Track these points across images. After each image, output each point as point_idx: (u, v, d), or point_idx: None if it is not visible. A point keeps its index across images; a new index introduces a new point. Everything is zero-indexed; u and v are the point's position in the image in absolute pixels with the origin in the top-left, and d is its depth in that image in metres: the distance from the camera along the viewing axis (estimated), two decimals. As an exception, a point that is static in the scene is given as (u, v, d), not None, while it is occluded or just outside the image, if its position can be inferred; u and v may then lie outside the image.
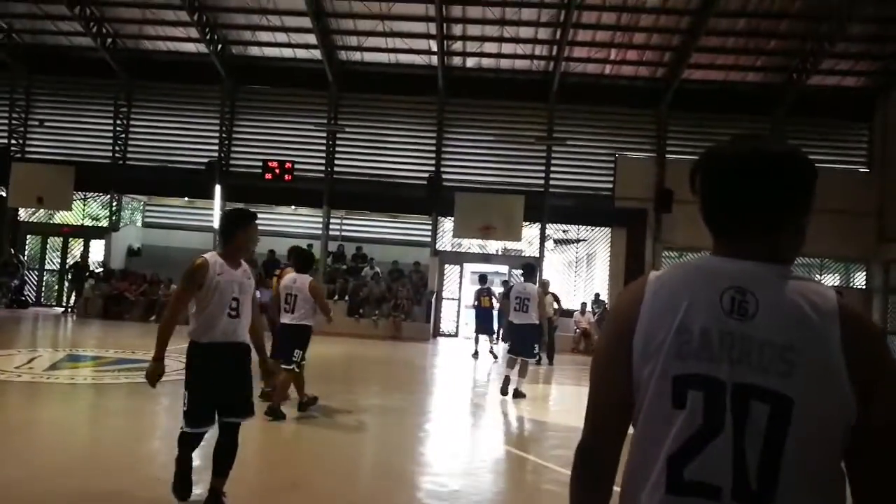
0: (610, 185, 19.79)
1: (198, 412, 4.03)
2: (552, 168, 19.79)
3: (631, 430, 1.40)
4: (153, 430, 6.67)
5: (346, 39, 19.33)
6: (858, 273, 19.69)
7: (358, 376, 11.50)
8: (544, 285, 15.25)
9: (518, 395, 9.54)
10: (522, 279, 10.33)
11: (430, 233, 20.24)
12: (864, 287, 19.33)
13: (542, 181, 19.78)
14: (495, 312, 15.76)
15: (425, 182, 19.61)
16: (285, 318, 7.24)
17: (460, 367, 13.88)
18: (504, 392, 9.42)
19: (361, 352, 14.86)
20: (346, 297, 18.96)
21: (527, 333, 9.60)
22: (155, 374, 4.03)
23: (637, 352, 1.33)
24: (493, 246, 20.54)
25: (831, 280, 19.95)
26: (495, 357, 15.07)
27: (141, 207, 22.53)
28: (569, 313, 18.02)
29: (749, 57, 18.30)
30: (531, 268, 10.34)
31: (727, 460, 1.22)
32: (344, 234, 21.20)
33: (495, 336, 16.33)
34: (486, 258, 20.50)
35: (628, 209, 19.41)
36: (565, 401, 10.76)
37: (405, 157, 20.24)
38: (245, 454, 5.95)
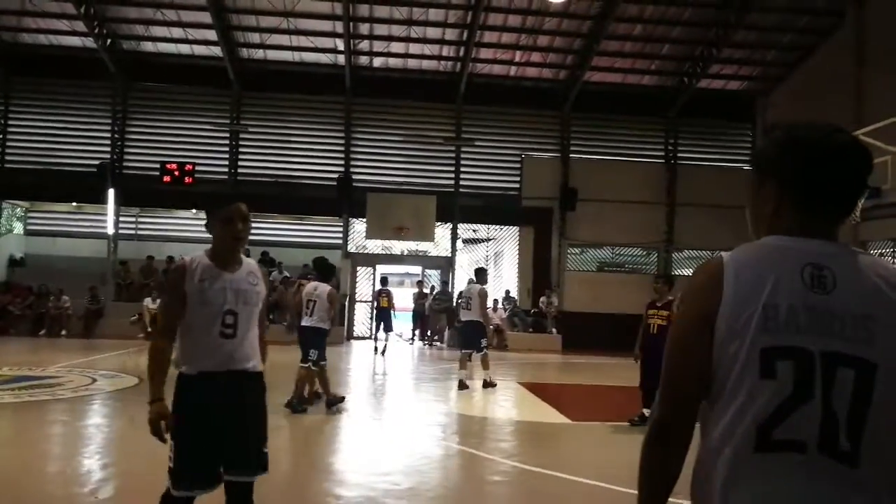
0: (517, 185, 20.24)
1: (189, 469, 2.96)
2: (461, 168, 20.02)
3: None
4: (79, 447, 6.18)
5: (247, 36, 18.73)
6: (744, 264, 21.11)
7: (274, 382, 11.08)
8: (443, 284, 15.67)
9: (487, 384, 10.42)
10: (474, 281, 10.95)
11: (340, 235, 19.96)
12: (750, 277, 20.74)
13: (452, 181, 19.96)
14: (393, 312, 16.63)
15: (335, 183, 19.32)
16: (305, 321, 8.17)
17: (380, 368, 13.75)
18: (463, 386, 10.21)
19: (275, 358, 14.39)
20: (255, 303, 18.33)
21: (471, 329, 10.44)
22: (158, 419, 2.92)
23: (721, 330, 1.37)
24: (401, 247, 20.51)
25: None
26: (382, 353, 15.73)
27: (22, 214, 20.84)
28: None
29: (645, 61, 19.25)
30: (482, 271, 11.08)
31: (815, 422, 1.30)
32: (250, 237, 20.45)
33: (392, 334, 17.00)
34: (398, 259, 20.46)
35: (535, 208, 19.92)
36: (489, 395, 10.88)
37: (313, 157, 19.86)
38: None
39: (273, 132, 19.79)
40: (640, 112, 20.10)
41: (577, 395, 10.52)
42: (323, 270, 8.40)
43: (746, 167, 17.05)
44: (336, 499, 4.88)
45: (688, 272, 19.96)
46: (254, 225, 18.41)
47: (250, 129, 19.54)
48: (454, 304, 15.76)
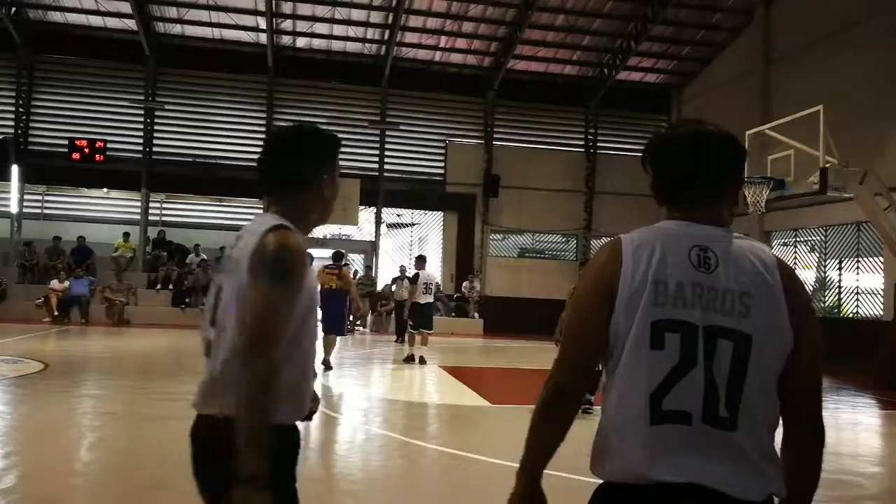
0: (441, 171, 20.33)
1: None
2: (386, 152, 19.93)
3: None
4: None
5: (164, 10, 17.96)
6: (658, 251, 21.98)
7: (190, 369, 10.80)
8: (401, 270, 15.82)
9: (423, 361, 11.45)
10: (417, 267, 12.36)
11: (261, 217, 19.51)
12: (663, 263, 21.62)
13: (376, 165, 19.85)
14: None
15: (255, 164, 18.80)
16: None
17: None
18: (411, 360, 11.51)
19: (191, 344, 14.03)
20: (171, 287, 17.76)
21: (431, 310, 12.05)
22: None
23: (618, 303, 1.50)
24: (324, 230, 20.25)
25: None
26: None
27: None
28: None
29: (567, 51, 19.64)
30: (423, 258, 12.52)
31: (699, 390, 1.44)
32: (165, 219, 19.77)
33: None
34: (320, 243, 20.18)
35: (459, 194, 20.08)
36: (411, 379, 10.98)
37: (233, 137, 19.33)
38: (105, 453, 5.47)
39: (191, 110, 19.11)
40: (561, 101, 20.53)
41: (496, 378, 10.75)
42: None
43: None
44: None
45: (605, 258, 20.64)
46: (171, 206, 17.88)
47: (166, 107, 18.78)
48: (406, 286, 15.68)
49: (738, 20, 18.33)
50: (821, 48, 15.28)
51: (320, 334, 10.57)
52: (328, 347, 10.63)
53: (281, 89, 19.37)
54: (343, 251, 12.17)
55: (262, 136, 19.22)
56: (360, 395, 8.98)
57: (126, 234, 18.32)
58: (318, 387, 9.16)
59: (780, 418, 1.53)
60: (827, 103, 11.13)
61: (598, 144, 21.05)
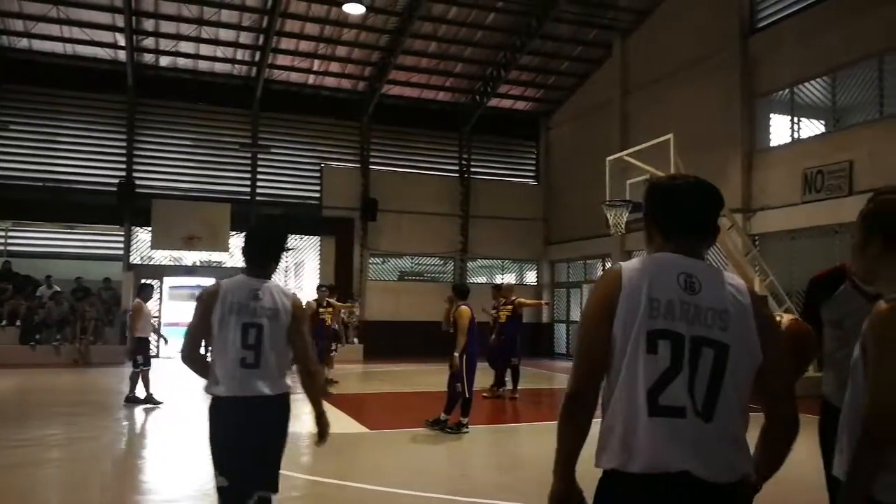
0: (318, 194, 20.01)
1: None
2: (258, 176, 19.37)
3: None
4: None
5: (9, 23, 16.58)
6: (530, 271, 22.77)
7: (40, 413, 9.85)
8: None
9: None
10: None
11: (122, 245, 18.30)
12: (535, 283, 22.40)
13: (248, 189, 19.23)
14: None
15: (115, 189, 17.71)
16: None
17: (166, 388, 12.78)
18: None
19: (41, 383, 12.87)
20: (18, 322, 16.21)
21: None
22: None
23: (620, 318, 1.79)
24: (193, 257, 19.34)
25: (509, 278, 22.72)
26: None
27: None
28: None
29: (440, 77, 20.03)
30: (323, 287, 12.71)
31: (685, 390, 1.72)
32: (10, 248, 18.05)
33: None
34: (189, 271, 19.22)
35: (336, 217, 19.83)
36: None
37: (89, 160, 18.06)
38: None
39: (40, 131, 17.70)
40: (436, 126, 20.90)
41: (375, 403, 10.61)
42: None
43: (532, 182, 18.46)
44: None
45: (482, 280, 21.08)
46: (14, 234, 16.35)
47: (11, 127, 17.28)
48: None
49: (599, 53, 19.50)
50: (671, 80, 16.56)
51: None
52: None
53: (143, 109, 18.36)
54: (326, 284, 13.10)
55: (122, 158, 18.14)
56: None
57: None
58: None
59: (764, 413, 1.87)
60: (676, 131, 12.04)
61: (472, 169, 21.55)
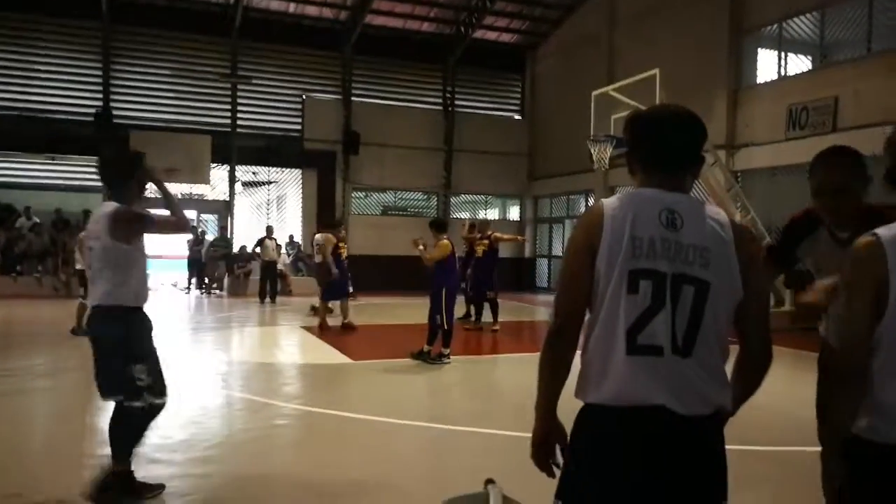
0: (299, 127, 19.72)
1: None
2: (239, 107, 19.00)
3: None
4: None
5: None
6: (514, 207, 22.82)
7: (22, 342, 9.92)
8: (268, 231, 15.46)
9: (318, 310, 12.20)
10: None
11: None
12: (518, 219, 22.48)
13: (228, 121, 18.90)
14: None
15: (91, 119, 17.33)
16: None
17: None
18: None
19: (24, 313, 12.90)
20: (-1, 254, 16.12)
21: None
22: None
23: (602, 257, 1.79)
24: (173, 189, 19.11)
25: (493, 214, 22.78)
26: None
27: None
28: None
29: (424, 7, 19.51)
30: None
31: (667, 328, 1.74)
32: (-12, 180, 17.72)
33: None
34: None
35: (318, 151, 19.61)
36: (265, 340, 10.77)
37: (65, 89, 17.59)
38: None
39: (13, 58, 17.14)
40: (420, 58, 20.48)
41: (359, 335, 10.77)
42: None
43: (517, 117, 18.27)
44: (102, 459, 4.57)
45: (465, 215, 21.10)
46: (-7, 165, 15.70)
47: (-19, 53, 16.72)
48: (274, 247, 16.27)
49: (586, -16, 19.02)
50: (658, 14, 16.25)
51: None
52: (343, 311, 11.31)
53: (120, 37, 17.78)
54: (336, 219, 13.10)
55: (99, 87, 17.68)
56: (218, 360, 8.69)
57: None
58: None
59: (739, 344, 1.90)
60: (663, 67, 11.92)
61: (456, 103, 21.27)
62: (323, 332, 10.79)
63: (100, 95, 17.67)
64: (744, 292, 1.80)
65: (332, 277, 11.22)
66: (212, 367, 8.14)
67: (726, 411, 1.83)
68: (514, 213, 22.79)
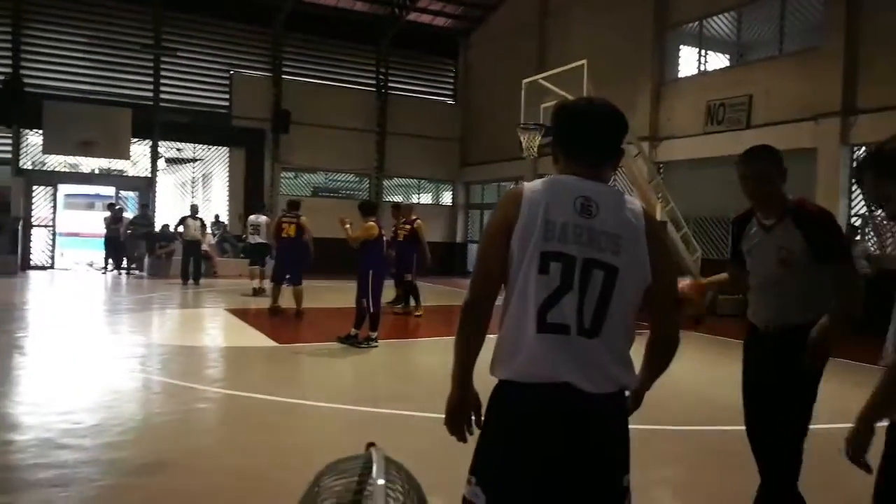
0: (227, 103, 19.16)
1: None
2: (163, 80, 18.28)
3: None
4: None
5: None
6: (446, 192, 22.91)
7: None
8: (193, 209, 14.99)
9: (259, 292, 13.06)
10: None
11: (9, 149, 17.05)
12: (450, 204, 22.59)
13: (151, 94, 18.16)
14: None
15: (0, 87, 16.33)
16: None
17: (63, 300, 12.35)
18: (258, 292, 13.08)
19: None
20: None
21: (263, 250, 13.62)
22: None
23: (516, 237, 1.88)
24: (92, 164, 18.32)
25: (425, 198, 22.81)
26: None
27: None
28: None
29: (357, -14, 19.21)
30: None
31: (574, 309, 1.83)
32: None
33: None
34: (87, 178, 18.23)
35: (246, 128, 19.12)
36: (187, 323, 10.51)
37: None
38: None
39: None
40: (353, 38, 20.21)
41: (286, 318, 10.64)
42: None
43: (450, 101, 18.30)
44: (5, 445, 4.39)
45: (398, 198, 21.03)
46: None
47: None
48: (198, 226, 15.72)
49: (521, -29, 19.17)
50: (589, 6, 16.57)
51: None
52: (296, 298, 10.71)
53: (32, 3, 16.79)
54: (299, 199, 12.27)
55: (8, 53, 16.67)
56: (135, 343, 8.41)
57: None
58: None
59: (649, 329, 2.00)
60: (591, 58, 12.17)
61: (390, 85, 21.11)
62: (274, 315, 10.55)
63: (9, 61, 16.67)
64: (652, 279, 1.89)
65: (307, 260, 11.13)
66: (128, 350, 7.87)
67: (632, 389, 1.95)
68: (446, 197, 22.87)
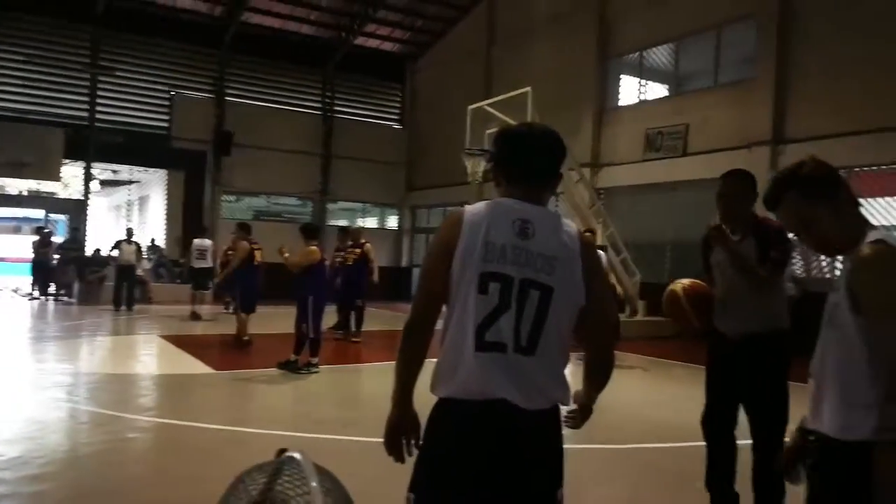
0: (166, 125, 18.71)
1: None
2: (99, 101, 17.74)
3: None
4: None
5: None
6: (392, 216, 22.83)
7: None
8: (128, 233, 14.67)
9: (196, 317, 13.18)
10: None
11: (-68, 168, 16.21)
12: (396, 228, 22.52)
13: (86, 114, 17.59)
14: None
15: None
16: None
17: (-11, 328, 11.71)
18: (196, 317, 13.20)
19: None
20: None
21: (207, 274, 13.73)
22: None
23: (458, 258, 1.91)
24: (20, 186, 17.59)
25: (371, 222, 22.69)
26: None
27: None
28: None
29: (304, 9, 19.15)
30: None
31: (511, 327, 1.87)
32: None
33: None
34: (14, 201, 17.47)
35: (186, 150, 18.69)
36: (119, 351, 10.09)
37: None
38: None
39: None
40: (299, 62, 20.09)
41: (224, 345, 10.32)
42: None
43: (396, 126, 18.33)
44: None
45: (342, 223, 20.84)
46: None
47: None
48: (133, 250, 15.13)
49: (466, 0, 19.47)
50: (534, 34, 16.93)
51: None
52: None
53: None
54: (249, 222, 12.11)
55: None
56: (63, 371, 7.99)
57: None
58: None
59: (585, 348, 2.06)
60: (536, 85, 12.40)
61: (336, 108, 21.03)
62: (242, 346, 9.98)
63: (-66, 77, 15.94)
64: (585, 299, 1.94)
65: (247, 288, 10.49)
66: (53, 378, 7.47)
67: (567, 405, 2.01)
68: (392, 221, 22.80)
